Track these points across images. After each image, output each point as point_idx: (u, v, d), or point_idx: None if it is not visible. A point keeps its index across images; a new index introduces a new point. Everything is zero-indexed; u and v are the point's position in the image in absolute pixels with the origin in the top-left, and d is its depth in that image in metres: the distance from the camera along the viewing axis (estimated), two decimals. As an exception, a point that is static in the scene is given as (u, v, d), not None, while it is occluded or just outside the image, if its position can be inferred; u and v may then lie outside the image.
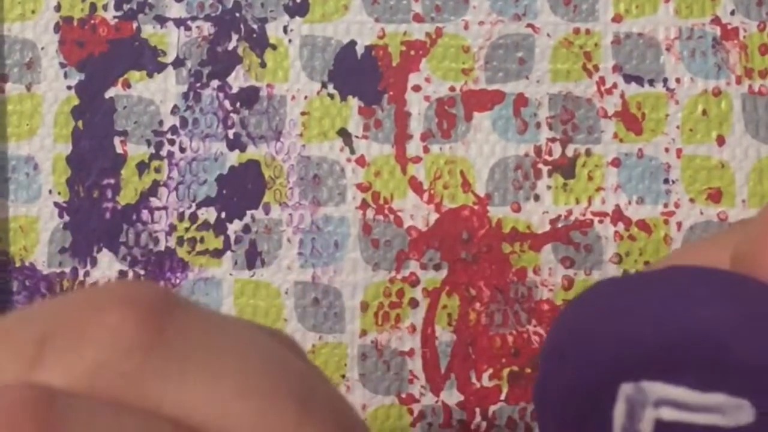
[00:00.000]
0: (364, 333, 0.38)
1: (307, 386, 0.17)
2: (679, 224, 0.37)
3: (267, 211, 0.38)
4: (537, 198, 0.37)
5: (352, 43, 0.38)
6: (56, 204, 0.39)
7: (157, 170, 0.39)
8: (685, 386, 0.21)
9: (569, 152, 0.38)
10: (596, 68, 0.38)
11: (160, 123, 0.39)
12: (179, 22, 0.39)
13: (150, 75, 0.39)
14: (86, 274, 0.39)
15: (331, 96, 0.38)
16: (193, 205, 0.38)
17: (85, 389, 0.16)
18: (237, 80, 0.39)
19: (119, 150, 0.39)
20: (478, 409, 0.37)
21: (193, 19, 0.39)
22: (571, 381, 0.22)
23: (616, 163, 0.37)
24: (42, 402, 0.15)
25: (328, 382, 0.19)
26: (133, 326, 0.16)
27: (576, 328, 0.23)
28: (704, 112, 0.37)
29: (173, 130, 0.39)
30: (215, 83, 0.39)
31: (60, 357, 0.16)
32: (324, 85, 0.38)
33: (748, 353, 0.20)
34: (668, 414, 0.21)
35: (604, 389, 0.22)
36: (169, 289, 0.18)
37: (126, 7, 0.39)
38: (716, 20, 0.37)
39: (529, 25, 0.38)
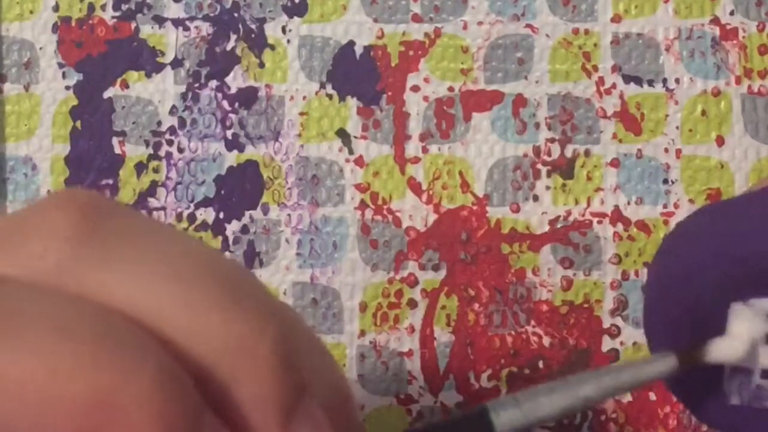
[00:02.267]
0: (362, 333, 0.37)
1: (237, 278, 0.18)
2: (679, 225, 0.37)
3: (265, 212, 0.38)
4: (536, 198, 0.37)
5: (351, 43, 0.38)
6: (54, 204, 0.39)
7: (156, 170, 0.39)
8: None
9: (568, 153, 0.37)
10: (595, 68, 0.38)
11: (159, 123, 0.39)
12: (178, 23, 0.39)
13: (148, 75, 0.39)
14: (84, 274, 0.38)
15: (330, 96, 0.38)
16: (192, 205, 0.38)
17: (23, 277, 0.17)
18: (235, 80, 0.39)
19: (117, 150, 0.39)
20: (476, 410, 0.37)
21: (192, 19, 0.39)
22: (681, 303, 0.23)
23: (615, 163, 0.37)
24: None
25: (258, 283, 0.19)
26: (69, 221, 0.17)
27: (684, 251, 0.23)
28: (704, 113, 0.37)
29: (172, 130, 0.39)
30: (214, 83, 0.39)
31: (2, 255, 0.17)
32: (322, 86, 0.38)
33: None
34: None
35: (714, 309, 0.22)
36: (109, 197, 0.18)
37: (124, 7, 0.39)
38: (715, 20, 0.37)
39: (528, 26, 0.38)
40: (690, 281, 0.23)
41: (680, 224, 0.25)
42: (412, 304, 0.37)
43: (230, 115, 0.38)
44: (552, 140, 0.37)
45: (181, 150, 0.39)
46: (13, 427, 0.16)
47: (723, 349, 0.22)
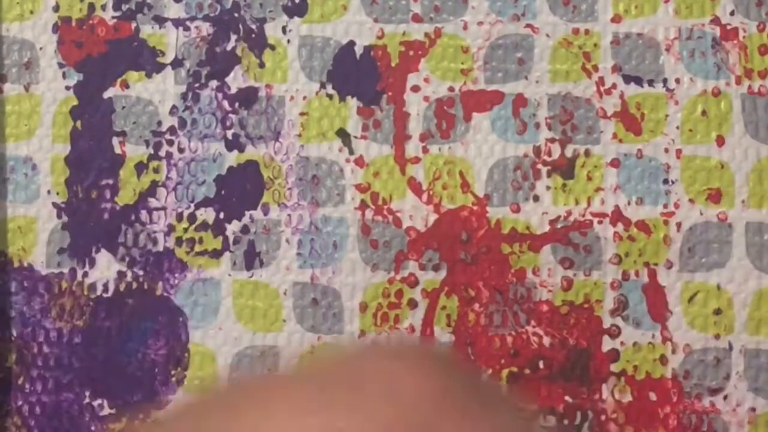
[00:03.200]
0: (362, 334, 0.37)
1: None
2: (679, 225, 0.37)
3: (266, 212, 0.38)
4: (536, 198, 0.37)
5: (351, 43, 0.38)
6: (55, 204, 0.39)
7: (156, 170, 0.39)
8: None
9: (568, 153, 0.37)
10: (595, 68, 0.38)
11: (159, 123, 0.39)
12: (178, 23, 0.39)
13: (149, 75, 0.39)
14: (85, 274, 0.38)
15: (330, 96, 0.38)
16: (192, 205, 0.38)
17: None
18: (236, 80, 0.39)
19: (118, 150, 0.39)
20: (477, 410, 0.37)
21: (192, 19, 0.39)
22: None
23: (615, 163, 0.37)
24: None
25: None
26: (433, 391, 0.17)
27: None
28: (704, 113, 0.37)
29: (172, 130, 0.39)
30: (214, 83, 0.39)
31: (351, 418, 0.17)
32: (323, 86, 0.38)
33: None
34: None
35: None
36: (449, 352, 0.18)
37: (124, 7, 0.39)
38: (716, 20, 0.37)
39: (528, 26, 0.38)
40: None
41: None
42: (413, 304, 0.37)
43: (230, 115, 0.38)
44: (552, 140, 0.37)
45: (181, 150, 0.39)
46: None
47: None
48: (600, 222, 0.37)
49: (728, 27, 0.37)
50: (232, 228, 0.38)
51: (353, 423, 0.16)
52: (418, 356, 0.18)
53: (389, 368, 0.17)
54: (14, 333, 0.39)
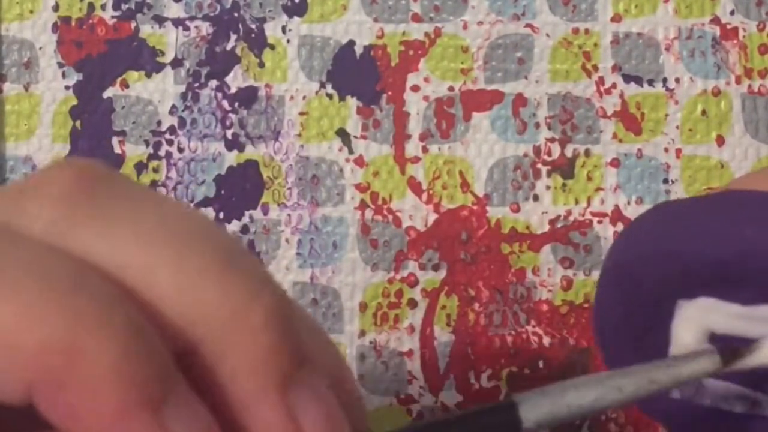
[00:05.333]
0: (362, 333, 0.37)
1: (232, 246, 0.18)
2: (679, 224, 0.37)
3: (265, 212, 0.38)
4: (536, 198, 0.37)
5: (351, 43, 0.38)
6: (54, 204, 0.39)
7: (156, 170, 0.39)
8: (738, 303, 0.21)
9: (568, 152, 0.37)
10: (595, 68, 0.38)
11: (159, 123, 0.39)
12: (177, 22, 0.39)
13: (148, 75, 0.39)
14: (84, 274, 0.38)
15: (330, 96, 0.38)
16: (192, 205, 0.38)
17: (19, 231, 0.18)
18: (235, 80, 0.39)
19: (117, 150, 0.39)
20: (477, 410, 0.37)
21: (192, 19, 0.39)
22: (630, 298, 0.22)
23: (615, 163, 0.37)
24: None
25: (253, 255, 0.19)
26: (65, 183, 0.18)
27: (636, 248, 0.23)
28: (704, 112, 0.37)
29: (171, 130, 0.39)
30: (213, 83, 0.39)
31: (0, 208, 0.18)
32: (322, 85, 0.38)
33: None
34: (721, 326, 0.21)
35: (662, 306, 0.22)
36: (110, 167, 0.19)
37: (124, 6, 0.39)
38: (716, 20, 0.37)
39: (528, 25, 0.38)
40: (637, 275, 0.23)
41: (634, 221, 0.25)
42: (412, 304, 0.37)
43: (230, 114, 0.38)
44: (552, 140, 0.37)
45: (181, 150, 0.39)
46: None
47: None
48: (600, 222, 0.37)
49: (728, 26, 0.37)
50: (232, 228, 0.38)
51: None
52: (57, 164, 0.19)
53: (34, 174, 0.19)
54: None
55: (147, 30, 0.39)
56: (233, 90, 0.38)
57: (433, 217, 0.38)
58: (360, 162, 0.38)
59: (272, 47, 0.39)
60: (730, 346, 0.20)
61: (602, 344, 0.24)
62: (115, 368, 0.16)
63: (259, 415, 0.17)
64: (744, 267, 0.20)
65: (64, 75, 0.39)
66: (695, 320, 0.22)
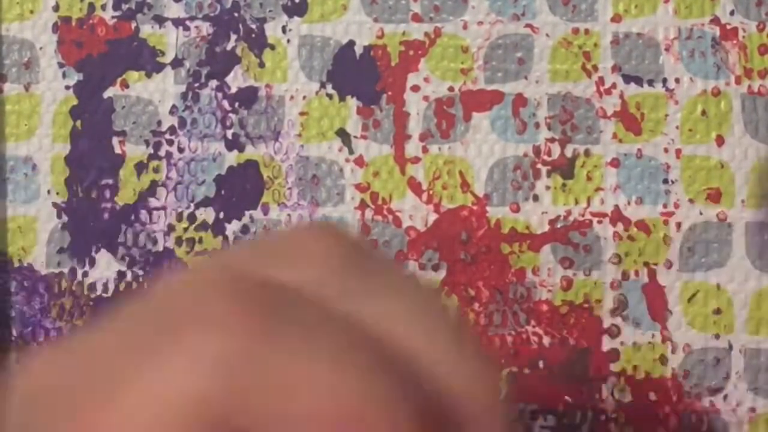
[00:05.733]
0: (362, 333, 0.37)
1: (470, 331, 0.20)
2: (679, 224, 0.37)
3: (265, 212, 0.38)
4: (536, 198, 0.37)
5: (351, 43, 0.38)
6: (55, 204, 0.39)
7: (156, 170, 0.39)
8: None
9: (568, 152, 0.37)
10: (595, 68, 0.38)
11: (159, 123, 0.39)
12: (178, 22, 0.39)
13: (148, 75, 0.39)
14: (85, 274, 0.38)
15: (330, 96, 0.38)
16: (192, 205, 0.38)
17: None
18: (235, 80, 0.39)
19: (118, 150, 0.39)
20: (476, 410, 0.37)
21: (192, 19, 0.39)
22: None
23: (615, 163, 0.37)
24: (261, 283, 0.17)
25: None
26: (339, 254, 0.19)
27: None
28: (703, 113, 0.37)
29: (172, 130, 0.39)
30: (214, 83, 0.39)
31: (277, 273, 0.18)
32: (323, 85, 0.38)
33: None
34: None
35: None
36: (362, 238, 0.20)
37: (124, 7, 0.39)
38: (715, 20, 0.37)
39: (528, 25, 0.38)
40: None
41: None
42: (412, 303, 0.37)
43: (230, 114, 0.38)
44: (552, 140, 0.37)
45: (181, 150, 0.39)
46: (288, 420, 0.16)
47: None
48: (600, 222, 0.37)
49: (728, 27, 0.37)
50: (232, 228, 0.38)
51: (291, 276, 0.18)
52: (321, 227, 0.19)
53: (299, 235, 0.19)
54: (14, 333, 0.39)
55: (147, 30, 0.39)
56: (233, 90, 0.39)
57: (433, 217, 0.38)
58: (360, 162, 0.38)
59: (272, 47, 0.39)
60: None
61: None
62: None
63: None
64: None
65: (64, 75, 0.39)
66: None
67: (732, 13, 0.37)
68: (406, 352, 0.18)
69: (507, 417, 0.18)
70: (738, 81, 0.37)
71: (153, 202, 0.38)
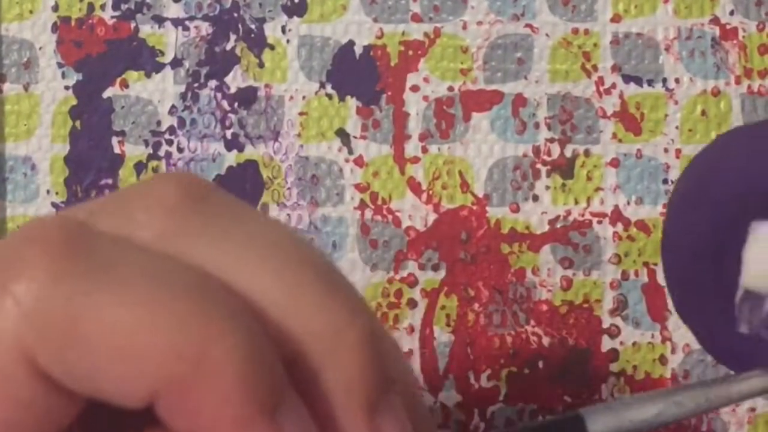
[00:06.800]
0: (362, 334, 0.37)
1: (331, 268, 0.19)
2: (678, 224, 0.37)
3: (265, 212, 0.38)
4: (536, 198, 0.37)
5: (351, 43, 0.38)
6: (54, 204, 0.39)
7: (155, 170, 0.39)
8: None
9: (568, 152, 0.37)
10: (595, 68, 0.38)
11: (158, 123, 0.39)
12: (177, 22, 0.39)
13: (148, 75, 0.39)
14: (84, 274, 0.38)
15: (330, 96, 0.38)
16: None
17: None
18: (235, 80, 0.39)
19: (117, 150, 0.39)
20: (476, 410, 0.37)
21: (191, 19, 0.39)
22: (701, 222, 0.22)
23: (614, 163, 0.37)
24: (75, 226, 0.17)
25: (347, 279, 0.20)
26: (174, 196, 0.18)
27: (707, 171, 0.23)
28: (703, 113, 0.37)
29: (171, 130, 0.39)
30: (213, 83, 0.39)
31: (107, 220, 0.18)
32: (322, 85, 0.38)
33: None
34: None
35: (734, 228, 0.22)
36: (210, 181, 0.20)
37: (124, 7, 0.39)
38: (715, 20, 0.37)
39: (528, 25, 0.38)
40: (710, 196, 0.22)
41: (703, 149, 0.25)
42: (412, 304, 0.37)
43: (230, 114, 0.38)
44: (552, 140, 0.37)
45: (180, 150, 0.39)
46: (104, 369, 0.16)
47: None
48: (599, 222, 0.37)
49: (728, 27, 0.37)
50: (232, 228, 0.38)
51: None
52: (169, 175, 0.19)
53: (145, 184, 0.19)
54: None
55: (147, 30, 0.39)
56: (233, 90, 0.38)
57: (432, 217, 0.38)
58: (360, 162, 0.38)
59: (272, 47, 0.39)
60: None
61: (671, 281, 0.24)
62: (240, 376, 0.16)
63: (344, 430, 0.18)
64: None
65: (63, 75, 0.39)
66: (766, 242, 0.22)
67: (732, 13, 0.37)
68: (245, 293, 0.17)
69: (376, 366, 0.18)
70: (738, 81, 0.37)
71: (152, 202, 0.38)
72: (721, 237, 0.22)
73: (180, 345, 0.16)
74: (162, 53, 0.39)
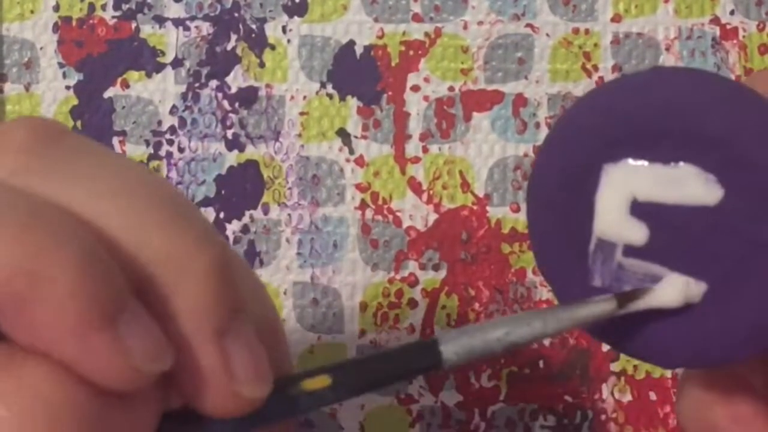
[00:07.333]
0: (362, 333, 0.37)
1: (181, 202, 0.20)
2: (679, 224, 0.37)
3: (266, 212, 0.38)
4: (536, 198, 0.37)
5: (351, 43, 0.38)
6: (55, 204, 0.39)
7: (156, 170, 0.39)
8: (661, 162, 0.21)
9: (568, 152, 0.37)
10: (595, 68, 0.38)
11: (159, 123, 0.39)
12: (178, 22, 0.39)
13: (149, 75, 0.39)
14: (85, 274, 0.38)
15: (330, 96, 0.38)
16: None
17: None
18: (236, 80, 0.39)
19: (118, 150, 0.39)
20: (477, 410, 0.37)
21: (192, 19, 0.39)
22: (555, 165, 0.22)
23: (615, 163, 0.37)
24: None
25: (202, 214, 0.21)
26: (24, 138, 0.19)
27: (563, 117, 0.23)
28: (704, 112, 0.37)
29: (172, 130, 0.39)
30: (214, 83, 0.39)
31: None
32: (323, 85, 0.38)
33: (721, 128, 0.21)
34: (644, 191, 0.22)
35: (587, 170, 0.22)
36: (64, 124, 0.21)
37: (125, 7, 0.39)
38: (715, 20, 0.37)
39: (528, 25, 0.38)
40: (567, 140, 0.22)
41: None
42: (413, 303, 0.37)
43: (230, 114, 0.38)
44: (552, 140, 0.37)
45: (181, 150, 0.39)
46: None
47: (662, 295, 0.22)
48: (600, 222, 0.37)
49: (728, 26, 0.37)
50: (233, 228, 0.38)
51: None
52: (23, 119, 0.20)
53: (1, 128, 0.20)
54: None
55: (147, 30, 0.39)
56: (234, 90, 0.39)
57: (433, 217, 0.38)
58: (360, 162, 0.38)
59: (273, 47, 0.39)
60: (625, 292, 0.22)
61: (531, 236, 0.24)
62: (72, 287, 0.17)
63: (196, 356, 0.19)
64: (666, 121, 0.21)
65: (64, 75, 0.39)
66: (619, 186, 0.22)
67: (732, 12, 0.37)
68: (93, 222, 0.18)
69: (225, 293, 0.19)
70: (738, 81, 0.37)
71: (153, 202, 0.38)
72: (574, 182, 0.22)
73: (13, 263, 0.17)
74: (163, 53, 0.39)
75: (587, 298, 0.22)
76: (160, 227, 0.19)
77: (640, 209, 0.22)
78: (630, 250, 0.22)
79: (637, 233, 0.22)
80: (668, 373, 0.37)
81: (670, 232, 0.22)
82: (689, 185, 0.21)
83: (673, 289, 0.22)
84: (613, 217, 0.22)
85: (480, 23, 0.38)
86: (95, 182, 0.19)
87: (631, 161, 0.22)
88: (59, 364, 0.17)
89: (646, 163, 0.21)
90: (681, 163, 0.21)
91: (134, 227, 0.19)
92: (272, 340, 0.21)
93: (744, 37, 0.37)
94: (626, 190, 0.22)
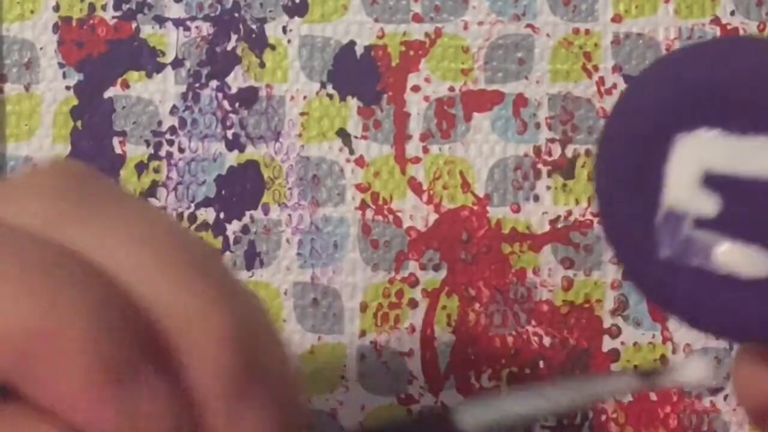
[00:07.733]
0: (363, 333, 0.37)
1: (202, 256, 0.19)
2: (679, 225, 0.37)
3: (266, 212, 0.38)
4: (536, 198, 0.37)
5: (352, 43, 0.38)
6: (55, 204, 0.39)
7: (156, 170, 0.39)
8: (737, 133, 0.21)
9: (569, 153, 0.37)
10: (596, 68, 0.38)
11: (159, 123, 0.39)
12: (178, 23, 0.39)
13: (149, 75, 0.39)
14: (85, 274, 0.38)
15: (330, 96, 0.38)
16: (192, 205, 0.38)
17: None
18: (236, 80, 0.39)
19: (118, 150, 0.39)
20: (477, 410, 0.37)
21: (192, 19, 0.39)
22: (625, 134, 0.22)
23: (615, 163, 0.37)
24: None
25: (225, 267, 0.21)
26: (59, 184, 0.19)
27: (633, 86, 0.23)
28: (704, 113, 0.37)
29: (172, 130, 0.39)
30: (214, 83, 0.39)
31: (3, 207, 0.19)
32: (323, 86, 0.38)
33: None
34: (717, 165, 0.21)
35: (659, 140, 0.22)
36: (94, 169, 0.21)
37: (125, 7, 0.39)
38: (716, 20, 0.37)
39: (529, 26, 0.38)
40: (638, 109, 0.22)
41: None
42: (413, 304, 0.37)
43: (231, 115, 0.38)
44: (553, 140, 0.38)
45: (181, 150, 0.39)
46: None
47: (684, 375, 0.22)
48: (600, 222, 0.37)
49: (728, 27, 0.37)
50: (233, 228, 0.38)
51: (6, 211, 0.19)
52: (53, 163, 0.20)
53: (31, 172, 0.20)
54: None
55: (147, 30, 0.39)
56: (234, 90, 0.39)
57: (433, 218, 0.38)
58: (360, 162, 0.38)
59: (273, 47, 0.39)
60: (645, 369, 0.21)
61: (600, 199, 0.23)
62: (84, 348, 0.17)
63: (206, 415, 0.19)
64: (745, 92, 0.21)
65: (64, 75, 0.39)
66: (692, 157, 0.21)
67: (732, 13, 0.37)
68: (116, 279, 0.18)
69: (240, 356, 0.19)
70: None
71: (154, 202, 0.38)
72: (645, 151, 0.22)
73: (28, 321, 0.17)
74: (163, 53, 0.39)
75: (653, 269, 0.22)
76: (178, 284, 0.19)
77: (712, 180, 0.21)
78: (700, 222, 0.22)
79: (709, 205, 0.21)
80: (668, 374, 0.37)
81: (742, 205, 0.21)
82: (765, 158, 0.21)
83: (696, 369, 0.21)
84: (684, 188, 0.21)
85: (480, 23, 0.38)
86: (117, 231, 0.19)
87: (705, 131, 0.21)
88: (69, 429, 0.17)
89: (720, 133, 0.21)
90: (759, 135, 0.21)
91: (148, 280, 0.18)
92: (290, 405, 0.21)
93: (744, 37, 0.37)
94: (699, 161, 0.21)
